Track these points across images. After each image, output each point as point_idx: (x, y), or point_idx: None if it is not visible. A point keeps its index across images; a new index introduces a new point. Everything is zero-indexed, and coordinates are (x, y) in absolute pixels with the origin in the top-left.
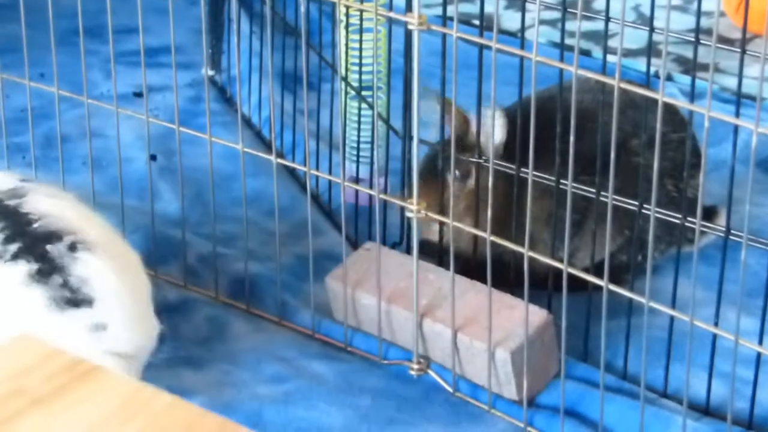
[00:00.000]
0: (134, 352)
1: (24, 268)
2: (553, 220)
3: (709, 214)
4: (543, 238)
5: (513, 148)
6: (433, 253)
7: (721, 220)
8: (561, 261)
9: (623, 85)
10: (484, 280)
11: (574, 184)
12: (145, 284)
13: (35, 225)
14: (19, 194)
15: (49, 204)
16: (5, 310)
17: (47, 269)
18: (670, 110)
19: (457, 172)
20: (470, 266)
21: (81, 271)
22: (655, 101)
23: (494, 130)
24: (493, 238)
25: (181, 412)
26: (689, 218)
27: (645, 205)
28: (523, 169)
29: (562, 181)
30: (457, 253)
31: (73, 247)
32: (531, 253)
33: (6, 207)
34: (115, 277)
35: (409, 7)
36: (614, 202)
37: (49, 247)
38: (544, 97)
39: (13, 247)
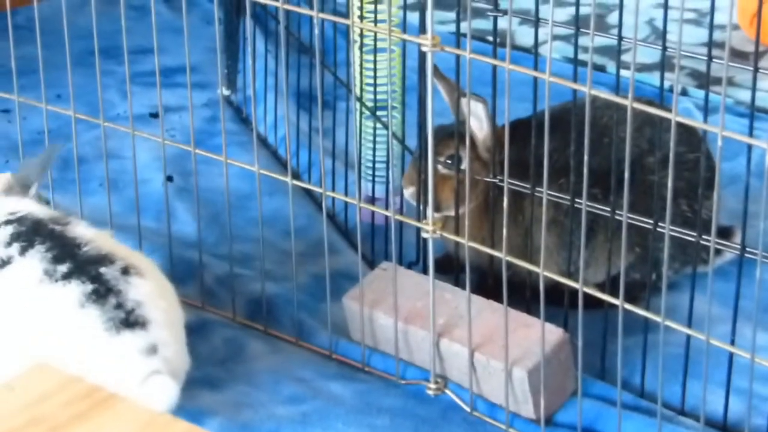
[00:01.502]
0: (178, 374)
1: (78, 288)
2: (556, 228)
3: (725, 234)
4: (547, 246)
5: (522, 158)
6: (450, 270)
7: (737, 241)
8: (570, 274)
9: (636, 105)
10: (498, 295)
11: (588, 203)
12: (182, 319)
13: (84, 248)
14: (61, 221)
15: (92, 232)
16: (59, 330)
17: (103, 291)
18: (687, 130)
19: (442, 158)
20: (486, 282)
21: (135, 294)
22: (670, 119)
23: (470, 118)
24: (509, 258)
25: None
26: (704, 237)
27: (660, 224)
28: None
29: (577, 200)
30: (472, 264)
31: (126, 271)
32: (547, 273)
33: (51, 230)
34: (164, 302)
35: (422, 28)
36: (627, 220)
37: (102, 269)
38: (561, 110)
39: (63, 268)
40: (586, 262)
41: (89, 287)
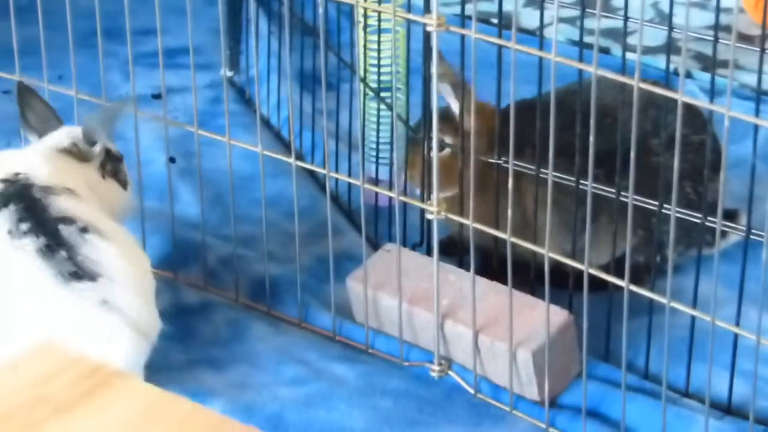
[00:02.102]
0: (146, 337)
1: (32, 244)
2: (559, 209)
3: (730, 217)
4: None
5: (519, 137)
6: (454, 252)
7: (742, 223)
8: (572, 255)
9: (642, 85)
10: (503, 277)
11: (594, 184)
12: (151, 283)
13: (50, 210)
14: (52, 191)
15: (75, 204)
16: (17, 286)
17: (54, 244)
18: (692, 112)
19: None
20: (490, 263)
21: (88, 250)
22: (676, 101)
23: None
24: (513, 239)
25: (202, 418)
26: (709, 218)
27: (665, 205)
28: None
29: (582, 181)
30: (475, 245)
31: (84, 230)
32: (552, 255)
33: (31, 197)
34: (122, 262)
35: (427, 8)
36: (632, 202)
37: (61, 226)
38: (564, 92)
39: (24, 226)
40: (590, 244)
41: (42, 241)
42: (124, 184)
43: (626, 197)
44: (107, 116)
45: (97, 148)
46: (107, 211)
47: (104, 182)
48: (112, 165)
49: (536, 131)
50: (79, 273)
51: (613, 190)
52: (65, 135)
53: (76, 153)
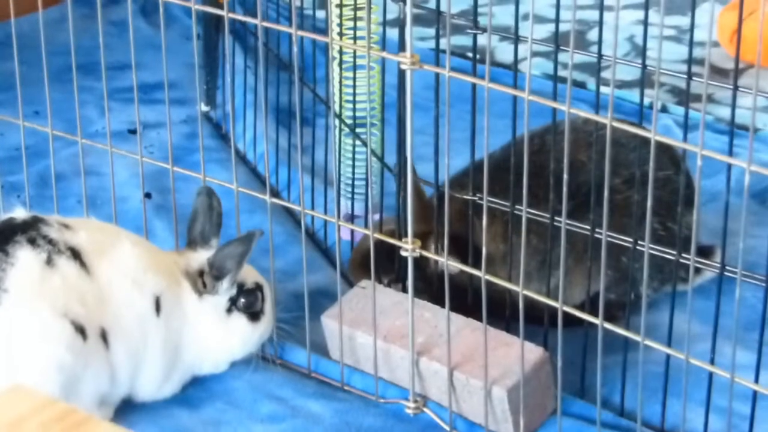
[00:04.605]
0: None
1: None
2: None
3: (705, 253)
4: (503, 267)
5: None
6: (430, 290)
7: (717, 259)
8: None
9: (616, 124)
10: (478, 314)
11: (561, 221)
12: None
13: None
14: (31, 243)
15: (28, 257)
16: None
17: None
18: (661, 148)
19: (385, 280)
20: (465, 300)
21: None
22: (640, 138)
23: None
24: (488, 276)
25: None
26: (683, 255)
27: (639, 242)
28: (517, 207)
29: (556, 218)
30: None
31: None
32: (527, 292)
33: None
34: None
35: (402, 46)
36: (598, 239)
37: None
38: (531, 135)
39: None
40: (551, 283)
41: None
42: (255, 315)
43: (599, 234)
44: (237, 250)
45: (225, 284)
46: (215, 350)
47: (227, 319)
48: (245, 299)
49: (508, 178)
50: None
51: (583, 227)
52: (198, 260)
53: (198, 283)
